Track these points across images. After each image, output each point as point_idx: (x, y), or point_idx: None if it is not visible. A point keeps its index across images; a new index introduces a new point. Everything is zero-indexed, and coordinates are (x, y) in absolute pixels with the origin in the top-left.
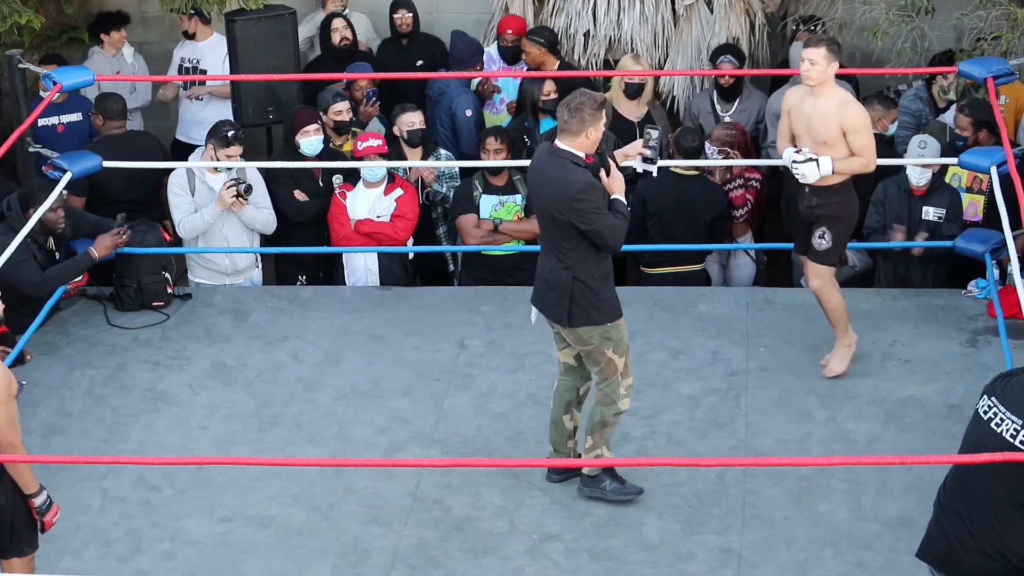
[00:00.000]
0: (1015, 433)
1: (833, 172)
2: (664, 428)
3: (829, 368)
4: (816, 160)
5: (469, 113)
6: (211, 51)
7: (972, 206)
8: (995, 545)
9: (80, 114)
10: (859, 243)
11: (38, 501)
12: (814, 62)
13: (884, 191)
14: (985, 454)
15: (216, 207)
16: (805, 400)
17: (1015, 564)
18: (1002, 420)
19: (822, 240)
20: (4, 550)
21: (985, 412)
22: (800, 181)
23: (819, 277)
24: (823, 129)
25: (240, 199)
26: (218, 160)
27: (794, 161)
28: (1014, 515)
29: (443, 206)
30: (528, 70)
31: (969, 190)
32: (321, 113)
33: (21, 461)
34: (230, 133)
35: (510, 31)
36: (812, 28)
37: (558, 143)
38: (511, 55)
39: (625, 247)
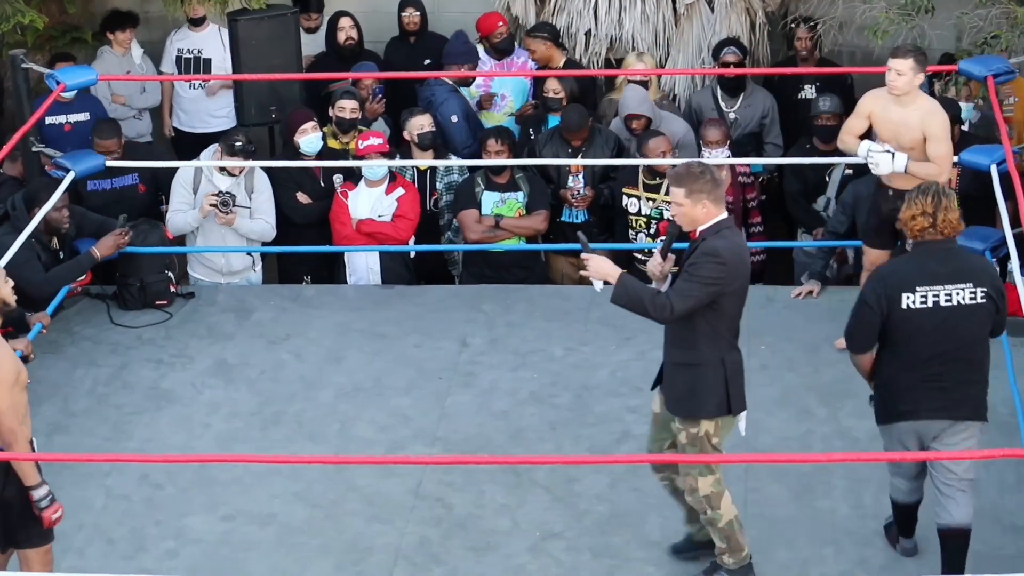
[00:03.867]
0: (973, 294)
1: (906, 171)
2: None
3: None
4: (893, 153)
5: (455, 119)
6: (211, 40)
7: None
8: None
9: (87, 113)
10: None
11: (37, 495)
12: (901, 72)
13: (854, 192)
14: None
15: (198, 213)
16: (806, 397)
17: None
18: (951, 294)
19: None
20: (17, 541)
21: (924, 300)
22: (872, 171)
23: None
24: (909, 136)
25: (220, 212)
26: (221, 155)
27: (871, 150)
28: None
29: (451, 213)
30: (536, 67)
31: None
32: (330, 107)
33: (25, 459)
34: (236, 145)
35: (500, 23)
36: (813, 25)
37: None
38: (501, 50)
39: (623, 246)
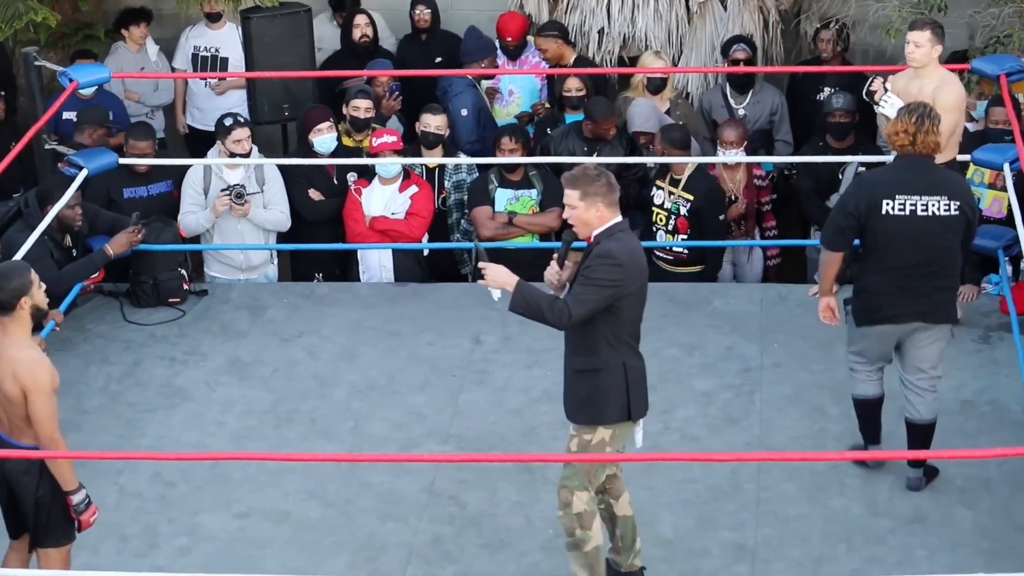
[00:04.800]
0: (948, 207)
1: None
2: (678, 424)
3: None
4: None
5: (465, 112)
6: (228, 38)
7: (996, 203)
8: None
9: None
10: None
11: (76, 499)
12: (919, 44)
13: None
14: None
15: (210, 214)
16: (819, 396)
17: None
18: (927, 204)
19: None
20: (41, 539)
21: (902, 208)
22: (877, 111)
23: None
24: None
25: (235, 204)
26: (230, 153)
27: (888, 95)
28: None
29: (459, 212)
30: (548, 66)
31: (992, 187)
32: (344, 105)
33: (45, 457)
34: (228, 122)
35: (510, 38)
36: (839, 28)
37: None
38: (513, 53)
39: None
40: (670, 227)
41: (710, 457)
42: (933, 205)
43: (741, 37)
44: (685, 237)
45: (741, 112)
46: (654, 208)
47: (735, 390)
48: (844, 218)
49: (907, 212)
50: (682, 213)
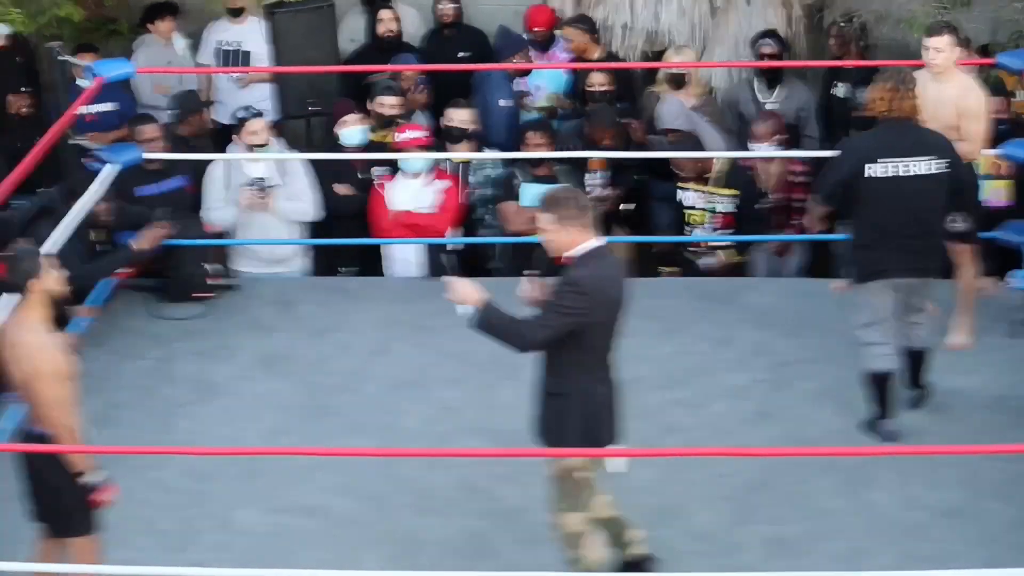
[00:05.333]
0: (929, 166)
1: None
2: (712, 418)
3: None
4: None
5: (503, 102)
6: (251, 33)
7: (996, 192)
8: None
9: (112, 104)
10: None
11: (88, 479)
12: (940, 49)
13: None
14: None
15: (235, 209)
16: (852, 390)
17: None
18: (909, 166)
19: (954, 223)
20: (63, 529)
21: (885, 171)
22: None
23: (962, 255)
24: (945, 114)
25: (257, 199)
26: (248, 145)
27: None
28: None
29: (485, 207)
30: (571, 57)
31: (988, 176)
32: (369, 101)
33: (71, 451)
34: (241, 114)
35: (538, 28)
36: (843, 24)
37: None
38: (541, 45)
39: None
40: (708, 225)
41: (745, 452)
42: (915, 166)
43: (770, 32)
44: (730, 233)
45: (768, 107)
46: (685, 210)
47: (768, 384)
48: (835, 174)
49: (890, 174)
50: (719, 210)
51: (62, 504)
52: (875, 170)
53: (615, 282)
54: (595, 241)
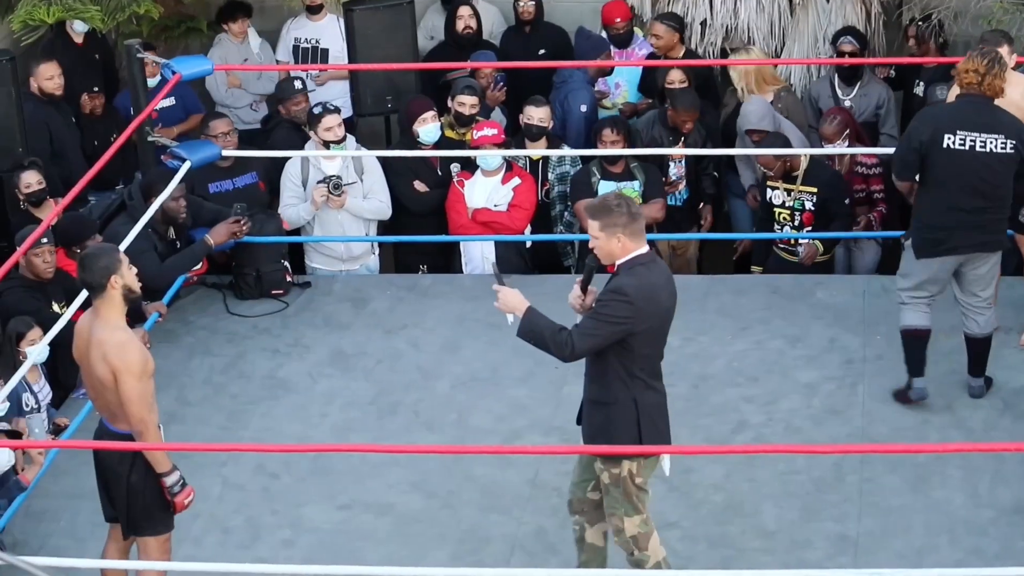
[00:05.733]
0: (1004, 145)
1: None
2: (782, 415)
3: None
4: None
5: (584, 108)
6: (329, 29)
7: None
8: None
9: (173, 99)
10: None
11: (169, 481)
12: None
13: None
14: None
15: (310, 206)
16: None
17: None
18: (985, 142)
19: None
20: (137, 527)
21: (963, 143)
22: None
23: None
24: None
25: (332, 197)
26: (323, 141)
27: None
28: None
29: (562, 204)
30: (654, 54)
31: None
32: (449, 99)
33: (143, 448)
34: (317, 110)
35: (618, 19)
36: (921, 22)
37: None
38: (621, 41)
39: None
40: (796, 223)
41: (813, 449)
42: (991, 142)
43: (850, 29)
44: (810, 230)
45: (847, 104)
46: (775, 208)
47: (838, 382)
48: (908, 152)
49: (967, 147)
50: (807, 208)
51: (141, 503)
52: (953, 141)
53: (663, 290)
54: (643, 249)
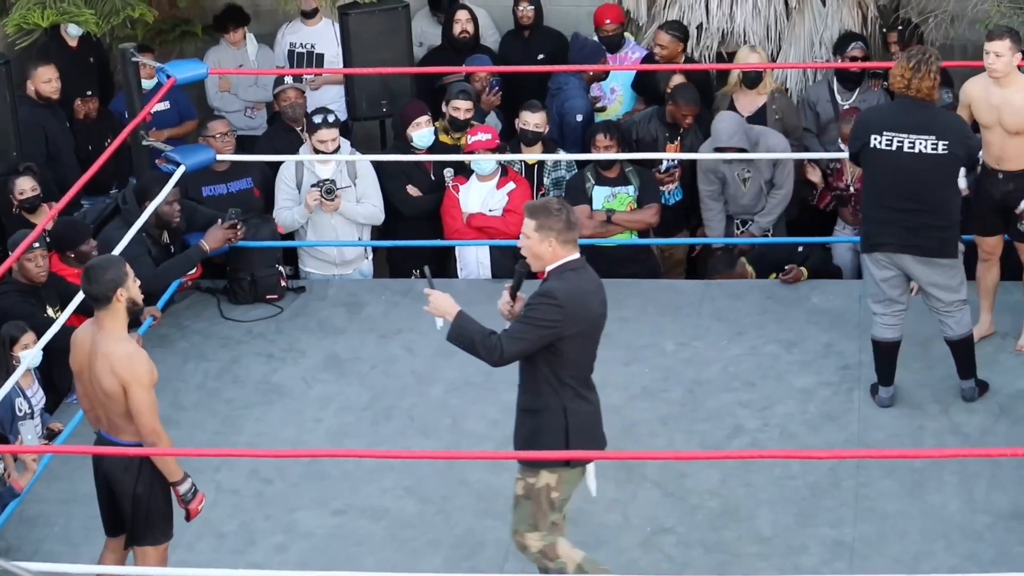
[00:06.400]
0: (935, 145)
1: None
2: (777, 421)
3: None
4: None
5: (580, 118)
6: (324, 34)
7: None
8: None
9: (168, 103)
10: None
11: (183, 489)
12: (999, 54)
13: None
14: None
15: (304, 210)
16: (917, 393)
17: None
18: (914, 142)
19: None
20: (138, 537)
21: (889, 143)
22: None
23: None
24: (1013, 119)
25: (324, 200)
26: (314, 147)
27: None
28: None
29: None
30: (649, 56)
31: None
32: (444, 104)
33: (142, 454)
34: (317, 119)
35: (608, 21)
36: (901, 28)
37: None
38: (611, 44)
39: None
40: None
41: (809, 454)
42: (920, 143)
43: (857, 35)
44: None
45: (846, 108)
46: None
47: (834, 387)
48: (851, 153)
49: (893, 147)
50: None
51: (144, 514)
52: (880, 141)
53: (593, 296)
54: (575, 255)
